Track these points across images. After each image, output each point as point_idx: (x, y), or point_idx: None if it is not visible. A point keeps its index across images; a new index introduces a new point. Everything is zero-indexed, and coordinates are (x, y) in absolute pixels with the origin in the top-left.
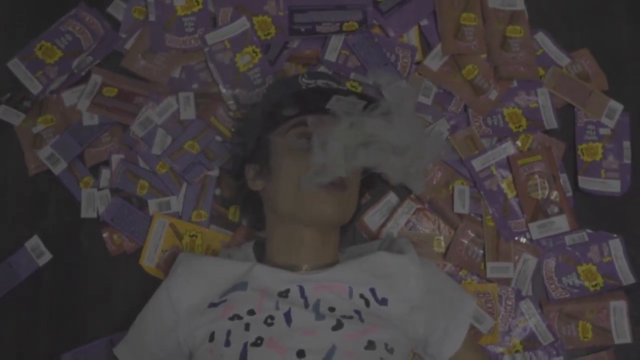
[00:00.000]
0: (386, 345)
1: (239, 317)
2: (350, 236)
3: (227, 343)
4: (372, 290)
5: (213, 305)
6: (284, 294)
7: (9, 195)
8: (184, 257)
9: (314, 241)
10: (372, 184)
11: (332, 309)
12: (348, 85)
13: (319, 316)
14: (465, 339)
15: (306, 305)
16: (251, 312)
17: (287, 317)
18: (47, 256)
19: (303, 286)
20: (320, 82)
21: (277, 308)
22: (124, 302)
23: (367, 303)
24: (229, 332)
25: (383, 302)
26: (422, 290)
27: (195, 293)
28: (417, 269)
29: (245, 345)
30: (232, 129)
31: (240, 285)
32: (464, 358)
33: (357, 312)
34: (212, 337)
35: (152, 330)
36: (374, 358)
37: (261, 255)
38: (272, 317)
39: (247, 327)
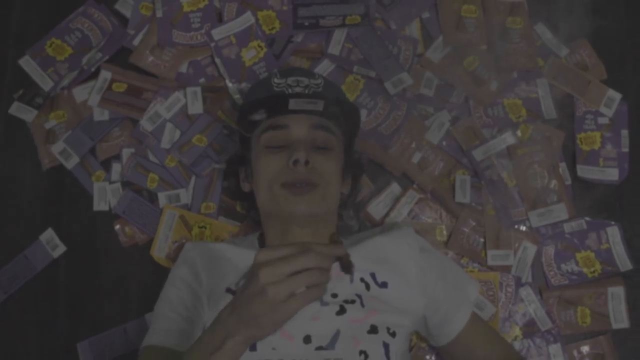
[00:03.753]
0: (388, 329)
1: None
2: (355, 226)
3: None
4: (373, 275)
5: (229, 291)
6: None
7: (23, 189)
8: (192, 244)
9: (304, 234)
10: (360, 168)
11: (334, 295)
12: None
13: (323, 302)
14: (468, 322)
15: None
16: None
17: None
18: (62, 248)
19: None
20: (290, 80)
21: None
22: (136, 291)
23: (368, 287)
24: None
25: (383, 285)
26: (421, 273)
27: (213, 275)
28: (415, 254)
29: None
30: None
31: None
32: (467, 341)
33: (359, 295)
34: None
35: (177, 303)
36: (377, 342)
37: (264, 244)
38: None
39: None
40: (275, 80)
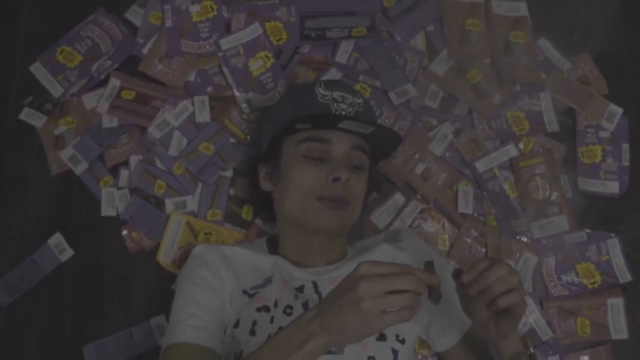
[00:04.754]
0: (397, 336)
1: (267, 309)
2: (358, 233)
3: (253, 332)
4: None
5: (245, 293)
6: (300, 289)
7: (32, 194)
8: (203, 246)
9: (322, 244)
10: (379, 186)
11: None
12: (358, 87)
13: None
14: (467, 332)
15: (320, 299)
16: (276, 304)
17: (305, 307)
18: (69, 252)
19: (316, 282)
20: (336, 95)
21: (295, 298)
22: (142, 296)
23: None
24: (254, 322)
25: None
26: None
27: (231, 276)
28: (420, 262)
29: (269, 336)
30: (246, 131)
31: (269, 280)
32: (464, 351)
33: None
34: (237, 324)
35: (202, 302)
36: (385, 349)
37: (274, 250)
38: (290, 307)
39: (272, 320)
40: (321, 90)
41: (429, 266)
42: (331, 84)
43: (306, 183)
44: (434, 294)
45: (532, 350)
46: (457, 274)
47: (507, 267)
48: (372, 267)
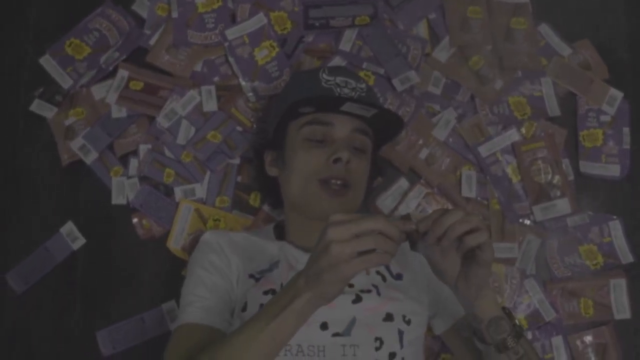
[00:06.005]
0: (404, 317)
1: (274, 292)
2: None
3: None
4: (387, 267)
5: (252, 277)
6: None
7: (44, 184)
8: (212, 232)
9: None
10: (383, 171)
11: (351, 285)
12: (362, 74)
13: None
14: (462, 317)
15: None
16: (282, 287)
17: None
18: (81, 240)
19: None
20: (339, 80)
21: None
22: (153, 282)
23: (384, 278)
24: (261, 305)
25: (398, 277)
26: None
27: (238, 260)
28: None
29: None
30: (252, 119)
31: (275, 264)
32: (450, 341)
33: (375, 286)
34: (244, 307)
35: (211, 285)
36: (392, 329)
37: (281, 236)
38: None
39: None
40: (324, 76)
41: (406, 217)
42: (335, 70)
43: (308, 165)
44: (414, 241)
45: (516, 321)
46: (405, 218)
47: (464, 211)
48: (341, 216)
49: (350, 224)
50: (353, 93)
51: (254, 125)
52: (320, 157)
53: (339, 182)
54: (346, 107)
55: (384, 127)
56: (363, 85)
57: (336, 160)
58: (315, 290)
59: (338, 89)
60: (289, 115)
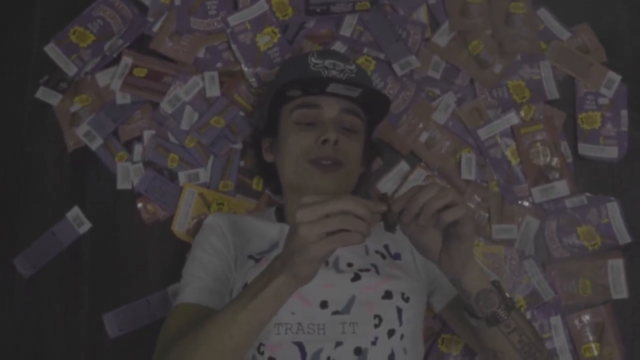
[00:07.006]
0: (402, 294)
1: None
2: None
3: None
4: (386, 247)
5: (252, 257)
6: None
7: (50, 170)
8: (215, 215)
9: None
10: (379, 150)
11: (350, 265)
12: (362, 59)
13: (339, 270)
14: (451, 301)
15: (326, 263)
16: None
17: None
18: (87, 225)
19: None
20: (327, 62)
21: None
22: (158, 265)
23: (383, 257)
24: None
25: (396, 256)
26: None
27: (238, 243)
28: None
29: None
30: (254, 105)
31: (275, 246)
32: (450, 318)
33: (374, 265)
34: (244, 288)
35: (209, 267)
36: (391, 307)
37: (281, 218)
38: None
39: None
40: (313, 59)
41: (383, 197)
42: (323, 53)
43: (298, 147)
44: (388, 223)
45: (507, 294)
46: (381, 197)
47: (438, 187)
48: (311, 198)
49: (318, 205)
50: (341, 75)
51: (255, 111)
52: (309, 139)
53: (329, 162)
54: (331, 88)
55: (374, 106)
56: (352, 67)
57: (324, 142)
58: (289, 272)
59: (326, 72)
60: (278, 100)
